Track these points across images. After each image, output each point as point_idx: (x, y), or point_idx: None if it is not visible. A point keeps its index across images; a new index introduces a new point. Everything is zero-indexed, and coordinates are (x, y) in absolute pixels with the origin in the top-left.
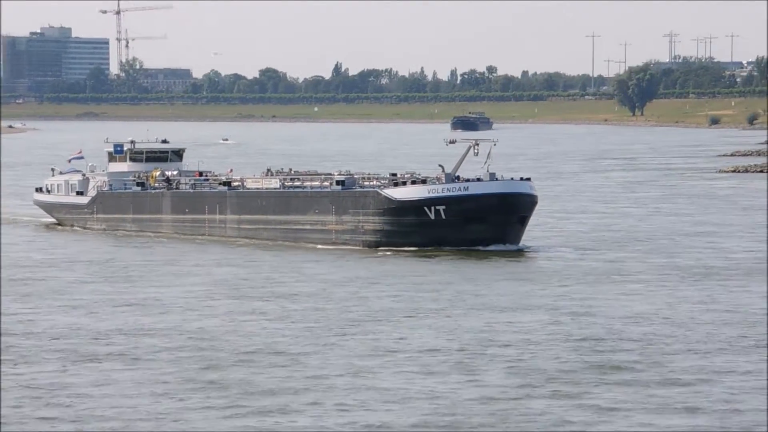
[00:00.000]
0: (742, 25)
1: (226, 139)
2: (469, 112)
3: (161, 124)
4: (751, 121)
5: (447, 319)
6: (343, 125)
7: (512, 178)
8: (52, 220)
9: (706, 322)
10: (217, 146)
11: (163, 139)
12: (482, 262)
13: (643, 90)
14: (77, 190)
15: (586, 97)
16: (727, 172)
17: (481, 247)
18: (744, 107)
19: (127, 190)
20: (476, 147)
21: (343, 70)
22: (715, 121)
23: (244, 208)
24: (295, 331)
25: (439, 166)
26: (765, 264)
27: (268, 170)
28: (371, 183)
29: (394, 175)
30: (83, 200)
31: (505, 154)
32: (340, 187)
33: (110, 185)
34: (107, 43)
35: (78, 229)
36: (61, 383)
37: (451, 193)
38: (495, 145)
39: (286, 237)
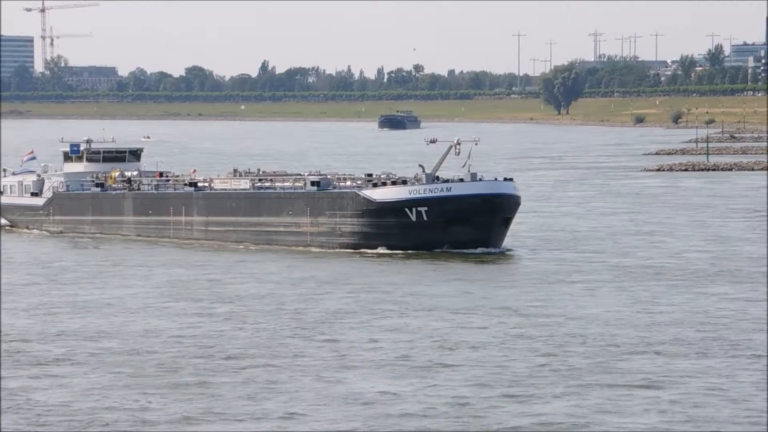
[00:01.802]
0: (666, 24)
1: (148, 137)
2: (397, 111)
3: (86, 122)
4: (676, 119)
5: (397, 320)
6: (270, 123)
7: (495, 179)
8: (5, 222)
9: (671, 323)
10: (138, 144)
11: (112, 137)
12: (440, 262)
13: (568, 89)
14: (32, 191)
15: (512, 95)
16: (652, 170)
17: (465, 251)
18: (668, 106)
19: (85, 191)
20: (458, 146)
21: (270, 68)
22: (639, 120)
23: (211, 210)
24: (242, 333)
25: (419, 166)
26: (721, 266)
27: (235, 171)
28: (347, 184)
29: (370, 175)
30: (38, 201)
31: (431, 153)
32: (315, 188)
33: (67, 186)
34: (32, 41)
35: (33, 231)
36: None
37: (433, 194)
38: (476, 144)
39: (258, 239)
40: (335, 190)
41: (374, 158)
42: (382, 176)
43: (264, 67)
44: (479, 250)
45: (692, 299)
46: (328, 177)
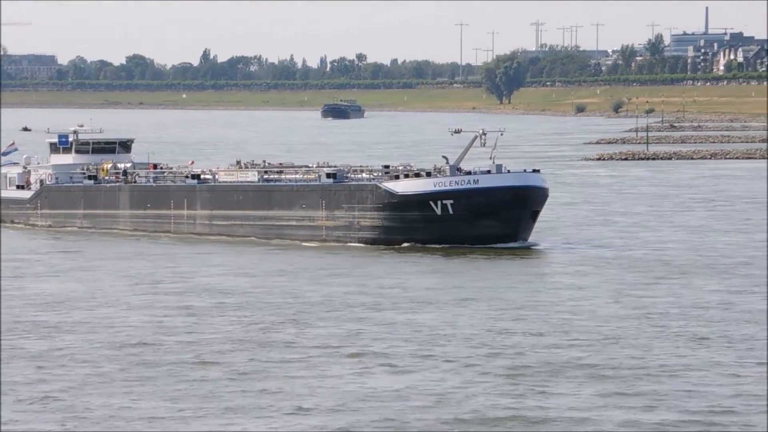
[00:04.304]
0: (606, 14)
1: (81, 125)
2: (340, 100)
3: (25, 110)
4: (616, 109)
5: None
6: (212, 112)
7: (525, 170)
8: None
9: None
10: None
11: (100, 128)
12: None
13: (510, 78)
14: (17, 183)
15: (455, 85)
16: (593, 159)
17: (493, 245)
18: (609, 95)
19: (76, 184)
20: (484, 137)
21: (211, 57)
22: (580, 109)
23: (216, 203)
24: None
25: (443, 157)
26: (701, 258)
27: (238, 162)
28: (363, 176)
29: (387, 166)
30: (25, 195)
31: (373, 143)
32: (331, 180)
33: (56, 178)
34: None
35: (19, 225)
36: None
37: (459, 187)
38: (502, 134)
39: (267, 234)
40: (353, 183)
41: (316, 148)
42: (400, 168)
43: (205, 55)
44: (510, 244)
45: (677, 291)
46: (342, 169)
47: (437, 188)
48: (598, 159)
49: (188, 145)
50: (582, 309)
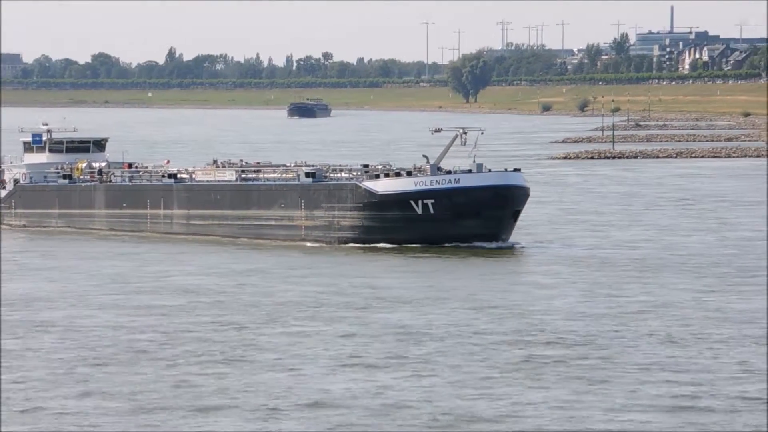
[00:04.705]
0: (572, 13)
1: (46, 124)
2: (306, 99)
3: None
4: (582, 108)
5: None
6: (178, 111)
7: (506, 169)
8: None
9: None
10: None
11: (73, 127)
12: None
13: (476, 77)
14: None
15: (421, 84)
16: (559, 158)
17: (472, 245)
18: (575, 94)
19: (51, 183)
20: (464, 136)
21: (177, 55)
22: (546, 108)
23: (194, 203)
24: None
25: (423, 156)
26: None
27: (215, 161)
28: (343, 175)
29: (366, 166)
30: None
31: (339, 141)
32: (310, 180)
33: (30, 178)
34: None
35: None
36: None
37: (440, 186)
38: (482, 134)
39: (245, 233)
40: (333, 182)
41: (282, 147)
42: (379, 167)
43: (171, 54)
44: (493, 245)
45: (654, 290)
46: (321, 168)
47: (418, 188)
48: (565, 158)
49: (154, 143)
50: (555, 308)
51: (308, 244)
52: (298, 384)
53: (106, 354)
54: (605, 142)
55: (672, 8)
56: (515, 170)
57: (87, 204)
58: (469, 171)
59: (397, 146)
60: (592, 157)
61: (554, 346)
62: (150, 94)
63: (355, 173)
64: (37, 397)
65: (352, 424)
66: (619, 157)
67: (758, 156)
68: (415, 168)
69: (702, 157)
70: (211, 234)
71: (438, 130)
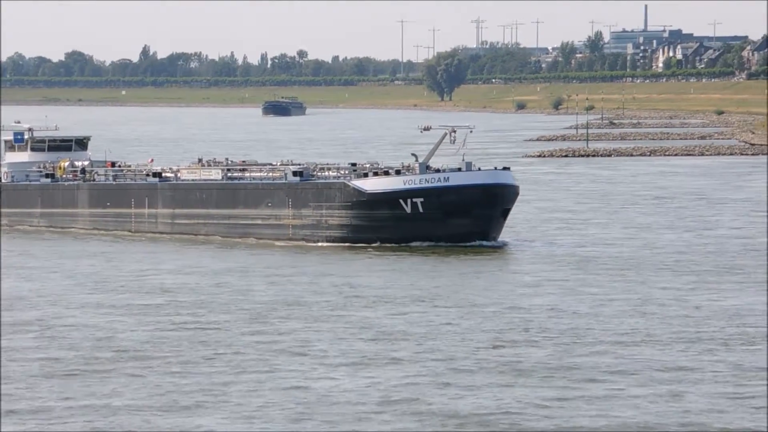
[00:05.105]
0: (546, 11)
1: (18, 122)
2: (281, 97)
3: None
4: (557, 106)
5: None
6: (152, 109)
7: (495, 168)
8: None
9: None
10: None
11: (55, 125)
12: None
13: (451, 75)
14: None
15: (396, 82)
16: (534, 156)
17: (463, 244)
18: (549, 92)
19: (33, 182)
20: (453, 134)
21: (151, 53)
22: (521, 106)
23: (179, 202)
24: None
25: (412, 154)
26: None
27: (200, 160)
28: (331, 174)
29: (354, 164)
30: None
31: (318, 140)
32: (298, 179)
33: (12, 177)
34: None
35: None
36: None
37: (430, 185)
38: (471, 132)
39: (232, 232)
40: (321, 181)
41: (258, 145)
42: (367, 165)
43: (145, 52)
44: (477, 243)
45: (631, 289)
46: (308, 167)
47: (407, 186)
48: (539, 156)
49: (128, 141)
50: (538, 306)
51: (294, 243)
52: (278, 383)
53: (84, 353)
54: (579, 140)
55: (646, 7)
56: (504, 168)
57: (70, 203)
58: (459, 169)
59: (372, 145)
60: (566, 155)
61: (537, 344)
62: (124, 92)
63: (342, 172)
64: (15, 396)
65: (335, 422)
66: (594, 155)
67: (731, 154)
68: (403, 166)
69: (675, 155)
70: (196, 233)
71: (427, 129)
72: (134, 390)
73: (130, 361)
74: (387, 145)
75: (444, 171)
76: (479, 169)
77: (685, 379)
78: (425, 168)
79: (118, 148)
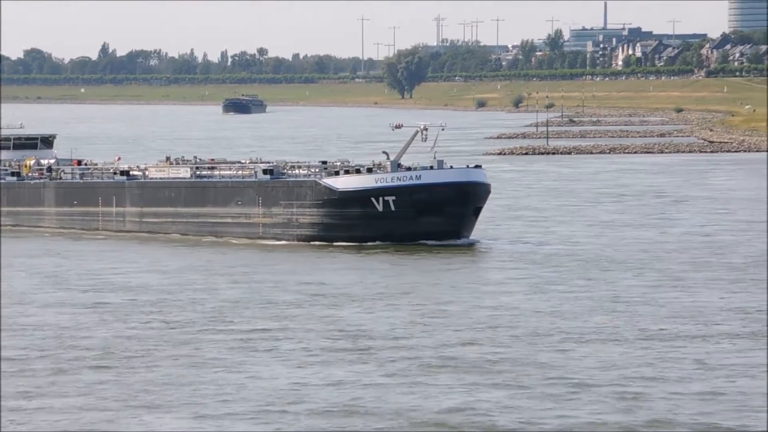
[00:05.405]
0: (506, 9)
1: None
2: (242, 95)
3: None
4: (517, 104)
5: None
6: (111, 107)
7: (467, 166)
8: None
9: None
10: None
11: (20, 124)
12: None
13: (411, 73)
14: None
15: (357, 80)
16: (494, 154)
17: (436, 242)
18: (509, 90)
19: None
20: (425, 132)
21: (110, 51)
22: (481, 104)
23: (147, 200)
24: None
25: (383, 152)
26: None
27: (168, 158)
28: (302, 172)
29: (325, 162)
30: None
31: (273, 137)
32: (268, 177)
33: None
34: None
35: None
36: None
37: (401, 183)
38: (443, 129)
39: (201, 231)
40: (291, 179)
41: (218, 143)
42: (337, 163)
43: (104, 49)
44: (449, 242)
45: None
46: (278, 165)
47: (379, 184)
48: (500, 153)
49: (87, 139)
50: (504, 305)
51: (265, 241)
52: (245, 382)
53: (47, 353)
54: (539, 137)
55: (605, 5)
56: (476, 167)
57: (36, 202)
58: (430, 168)
59: (333, 143)
60: (526, 153)
61: (504, 343)
62: (83, 90)
63: (313, 170)
64: None
65: (300, 421)
66: (554, 153)
67: (690, 152)
68: (374, 164)
69: (635, 152)
70: (165, 232)
71: (398, 127)
72: (98, 389)
73: (94, 359)
74: (348, 143)
75: (416, 169)
76: (451, 167)
77: (650, 376)
78: (397, 166)
79: (79, 146)
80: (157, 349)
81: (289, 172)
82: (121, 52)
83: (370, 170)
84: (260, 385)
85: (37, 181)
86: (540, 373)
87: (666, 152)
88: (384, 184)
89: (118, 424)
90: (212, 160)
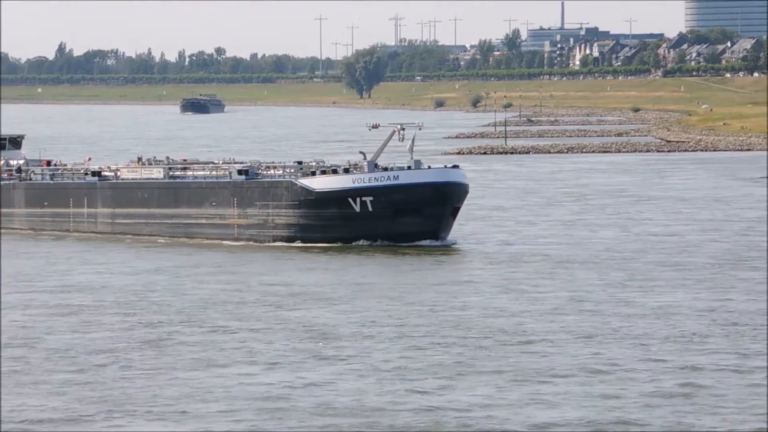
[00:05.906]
0: (464, 9)
1: None
2: (200, 94)
3: None
4: (475, 103)
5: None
6: (68, 107)
7: (445, 166)
8: None
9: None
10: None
11: None
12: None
13: (370, 73)
14: None
15: (315, 79)
16: (453, 154)
17: (408, 243)
18: (468, 90)
19: None
20: (402, 132)
21: (67, 50)
22: (440, 104)
23: (119, 201)
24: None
25: (360, 152)
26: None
27: (139, 159)
28: (277, 172)
29: (300, 163)
30: None
31: (232, 137)
32: (243, 177)
33: None
34: None
35: None
36: None
37: (379, 183)
38: (420, 129)
39: (174, 232)
40: (267, 179)
41: (175, 143)
42: (313, 163)
43: (61, 49)
44: (427, 243)
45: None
46: (253, 165)
47: (356, 185)
48: (458, 153)
49: (45, 140)
50: (472, 305)
51: (241, 243)
52: (215, 384)
53: (12, 353)
54: (498, 137)
55: (563, 5)
56: (454, 167)
57: (6, 203)
58: (408, 168)
59: (292, 143)
60: (485, 153)
61: (472, 342)
62: (40, 90)
63: (289, 170)
64: None
65: (271, 423)
66: (512, 153)
67: (648, 151)
68: (350, 164)
69: (593, 152)
70: (137, 233)
71: (375, 126)
72: (65, 392)
73: (60, 361)
74: (307, 142)
75: (393, 169)
76: (429, 168)
77: (619, 376)
78: (374, 166)
79: (43, 147)
80: (123, 350)
81: (265, 172)
82: (78, 52)
83: (347, 170)
84: (228, 385)
85: (7, 182)
86: (512, 371)
87: (624, 151)
88: (361, 184)
89: (82, 425)
90: (184, 160)
